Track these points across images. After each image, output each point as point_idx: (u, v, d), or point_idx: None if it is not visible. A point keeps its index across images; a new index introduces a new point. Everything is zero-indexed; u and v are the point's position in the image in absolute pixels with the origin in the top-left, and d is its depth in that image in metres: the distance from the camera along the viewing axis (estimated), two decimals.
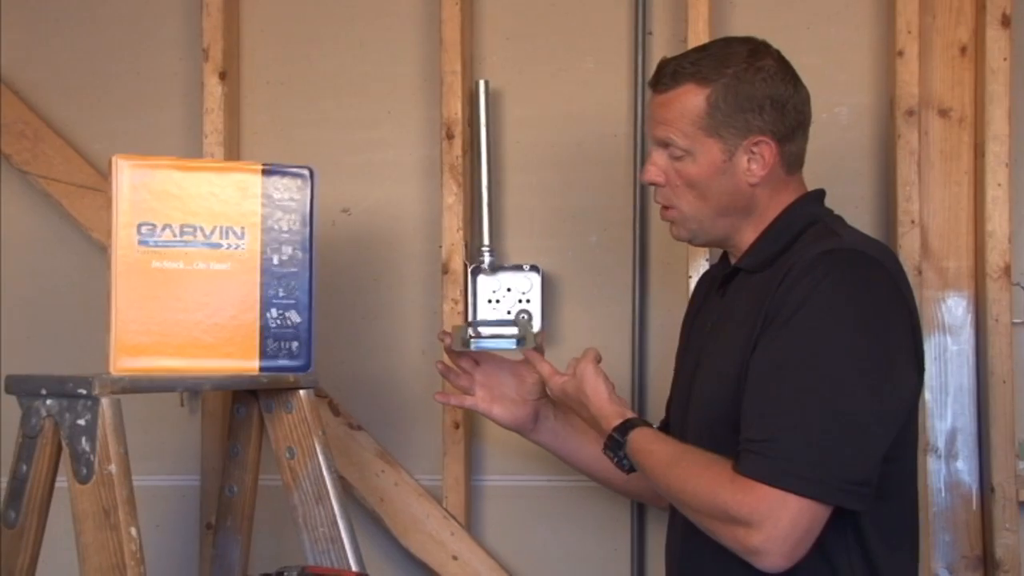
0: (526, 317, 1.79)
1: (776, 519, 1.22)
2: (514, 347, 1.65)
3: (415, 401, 1.95)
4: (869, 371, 1.27)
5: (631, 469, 1.42)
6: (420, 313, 1.96)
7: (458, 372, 1.67)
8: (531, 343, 1.64)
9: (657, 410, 1.72)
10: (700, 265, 1.83)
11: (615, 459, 1.43)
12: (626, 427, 1.42)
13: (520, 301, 1.81)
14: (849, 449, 1.25)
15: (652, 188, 1.48)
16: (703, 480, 1.29)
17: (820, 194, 1.47)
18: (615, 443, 1.42)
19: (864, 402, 1.26)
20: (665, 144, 1.42)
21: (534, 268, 1.83)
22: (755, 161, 1.39)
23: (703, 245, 1.57)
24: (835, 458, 1.24)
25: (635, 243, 1.91)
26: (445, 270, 1.90)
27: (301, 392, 1.52)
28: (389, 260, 1.98)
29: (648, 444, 1.40)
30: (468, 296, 1.83)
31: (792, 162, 1.43)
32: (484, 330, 1.65)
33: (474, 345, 1.64)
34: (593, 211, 1.94)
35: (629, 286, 1.91)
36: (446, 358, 1.69)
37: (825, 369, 1.26)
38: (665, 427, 1.58)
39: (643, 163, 1.83)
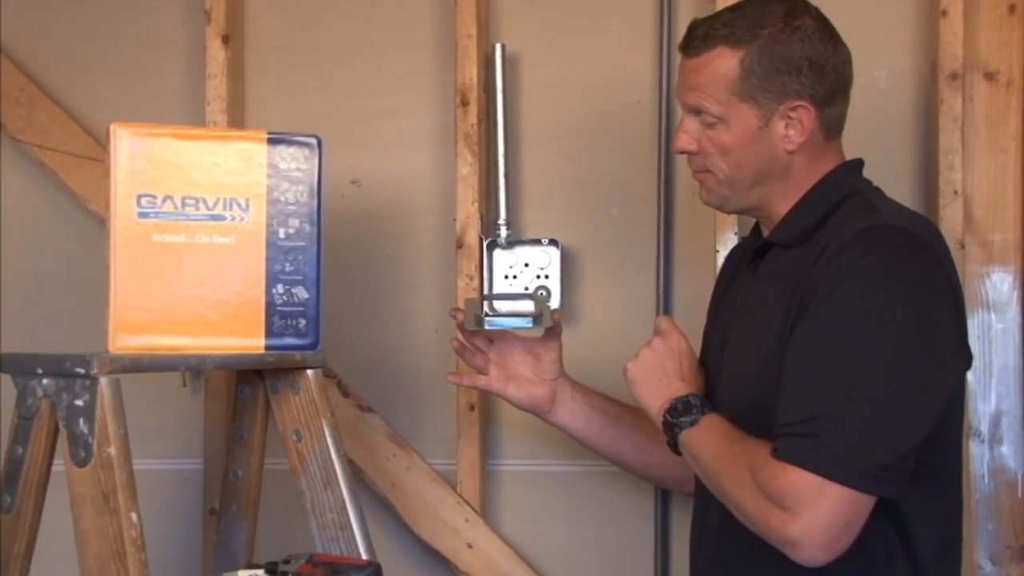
0: (544, 293, 1.82)
1: (813, 507, 1.20)
2: (530, 326, 1.62)
3: (428, 382, 1.95)
4: (909, 355, 1.24)
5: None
6: (433, 289, 1.95)
7: (473, 351, 1.66)
8: (548, 321, 1.62)
9: None
10: (728, 238, 1.81)
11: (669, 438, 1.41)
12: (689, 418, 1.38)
13: (538, 277, 1.82)
14: (887, 435, 1.22)
15: (685, 156, 1.46)
16: (743, 460, 1.28)
17: (858, 164, 1.45)
18: (671, 427, 1.39)
19: (904, 387, 1.23)
20: (697, 111, 1.40)
21: (553, 242, 1.82)
22: (793, 127, 1.37)
23: (733, 212, 1.55)
24: (873, 444, 1.22)
25: (659, 215, 1.89)
26: (460, 244, 1.88)
27: (309, 372, 1.51)
28: (401, 234, 1.97)
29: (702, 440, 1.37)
30: (484, 272, 1.83)
31: (831, 127, 1.41)
32: (498, 305, 1.64)
33: (488, 324, 1.62)
34: (615, 182, 1.92)
35: (653, 260, 1.89)
36: (461, 335, 1.67)
37: (863, 353, 1.24)
38: None
39: (668, 131, 1.87)
